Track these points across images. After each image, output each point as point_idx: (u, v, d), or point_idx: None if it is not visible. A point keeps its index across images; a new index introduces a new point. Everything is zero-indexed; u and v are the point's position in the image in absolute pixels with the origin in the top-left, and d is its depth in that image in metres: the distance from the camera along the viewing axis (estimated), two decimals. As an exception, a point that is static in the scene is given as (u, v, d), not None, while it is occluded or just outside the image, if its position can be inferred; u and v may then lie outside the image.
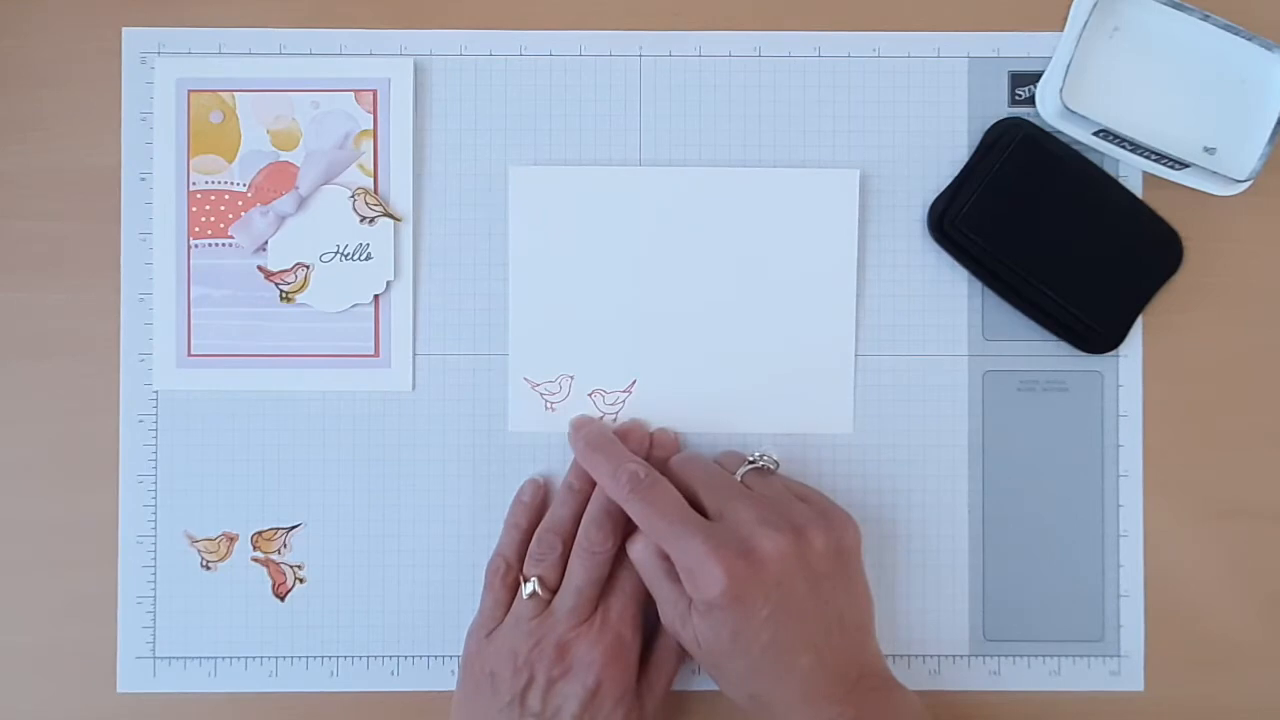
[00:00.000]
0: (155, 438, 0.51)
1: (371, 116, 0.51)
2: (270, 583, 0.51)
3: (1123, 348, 0.51)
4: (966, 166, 0.51)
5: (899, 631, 0.51)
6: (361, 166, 0.51)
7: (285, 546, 0.51)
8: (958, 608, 0.51)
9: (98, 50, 0.51)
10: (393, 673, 0.51)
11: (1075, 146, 0.51)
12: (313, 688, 0.51)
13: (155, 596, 0.51)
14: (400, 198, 0.51)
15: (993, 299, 0.51)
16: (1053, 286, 0.50)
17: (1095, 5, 0.49)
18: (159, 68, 0.51)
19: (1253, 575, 0.51)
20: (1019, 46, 0.51)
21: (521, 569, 0.48)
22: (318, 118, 0.51)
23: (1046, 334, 0.51)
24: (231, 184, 0.51)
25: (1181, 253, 0.51)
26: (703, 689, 0.51)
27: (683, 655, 0.48)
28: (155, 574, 0.51)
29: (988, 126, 0.51)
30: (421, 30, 0.51)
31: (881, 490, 0.51)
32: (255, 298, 0.51)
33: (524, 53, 0.51)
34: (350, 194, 0.51)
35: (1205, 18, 0.49)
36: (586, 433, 0.48)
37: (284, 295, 0.51)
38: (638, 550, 0.46)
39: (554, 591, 0.47)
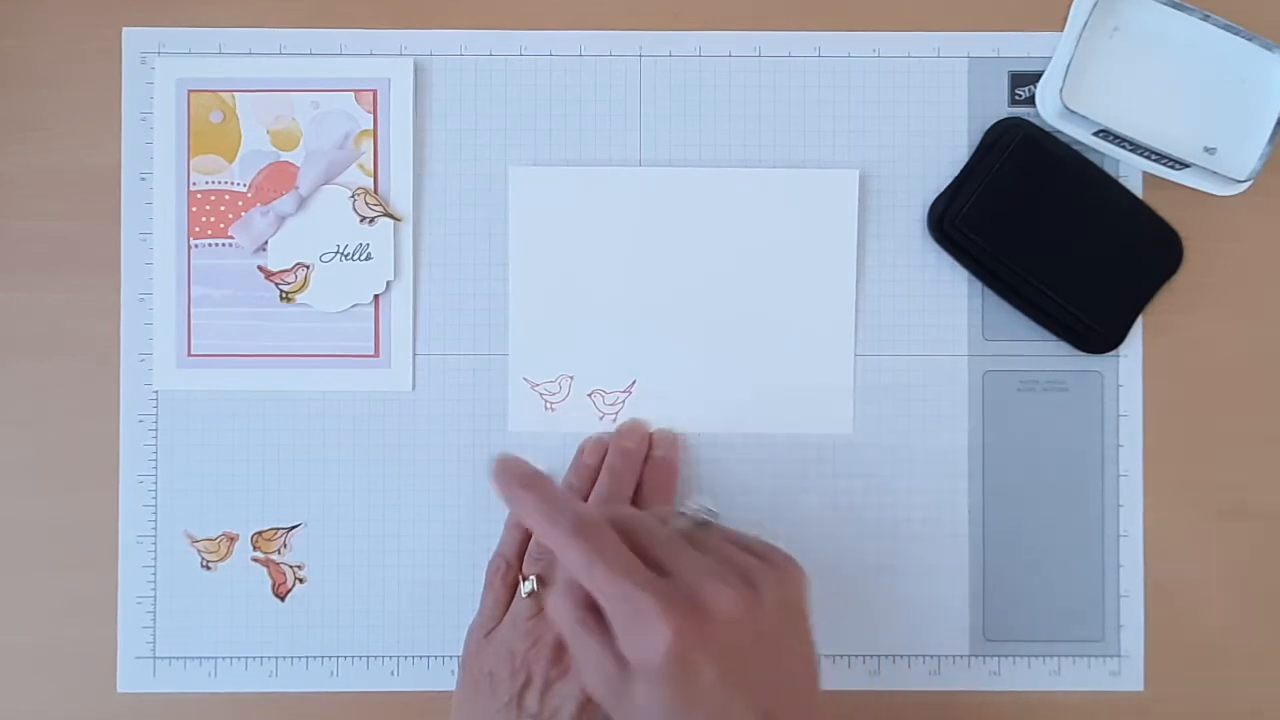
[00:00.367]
0: (155, 438, 0.51)
1: (371, 116, 0.51)
2: (270, 583, 0.51)
3: (1123, 348, 0.51)
4: (966, 166, 0.51)
5: (899, 632, 0.51)
6: (361, 166, 0.51)
7: (285, 546, 0.51)
8: (958, 608, 0.51)
9: (98, 50, 0.51)
10: (393, 673, 0.51)
11: (1075, 146, 0.51)
12: (313, 688, 0.51)
13: (155, 596, 0.51)
14: (400, 198, 0.51)
15: (993, 299, 0.51)
16: (1053, 286, 0.50)
17: (1095, 5, 0.49)
18: (159, 68, 0.51)
19: (1253, 575, 0.51)
20: (1019, 46, 0.51)
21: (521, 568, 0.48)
22: (318, 118, 0.51)
23: (1046, 334, 0.51)
24: (231, 184, 0.51)
25: (1181, 253, 0.51)
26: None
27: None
28: (155, 574, 0.51)
29: (988, 126, 0.51)
30: (421, 30, 0.51)
31: (881, 490, 0.51)
32: (255, 298, 0.51)
33: (524, 53, 0.51)
34: (350, 194, 0.51)
35: (1205, 18, 0.49)
36: (518, 471, 0.41)
37: (284, 295, 0.51)
38: (557, 601, 0.40)
39: None
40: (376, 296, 0.51)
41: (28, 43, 0.51)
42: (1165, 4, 0.49)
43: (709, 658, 0.37)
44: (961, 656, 0.51)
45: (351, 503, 0.51)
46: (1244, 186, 0.50)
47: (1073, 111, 0.49)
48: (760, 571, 0.40)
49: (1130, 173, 0.51)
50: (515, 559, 0.49)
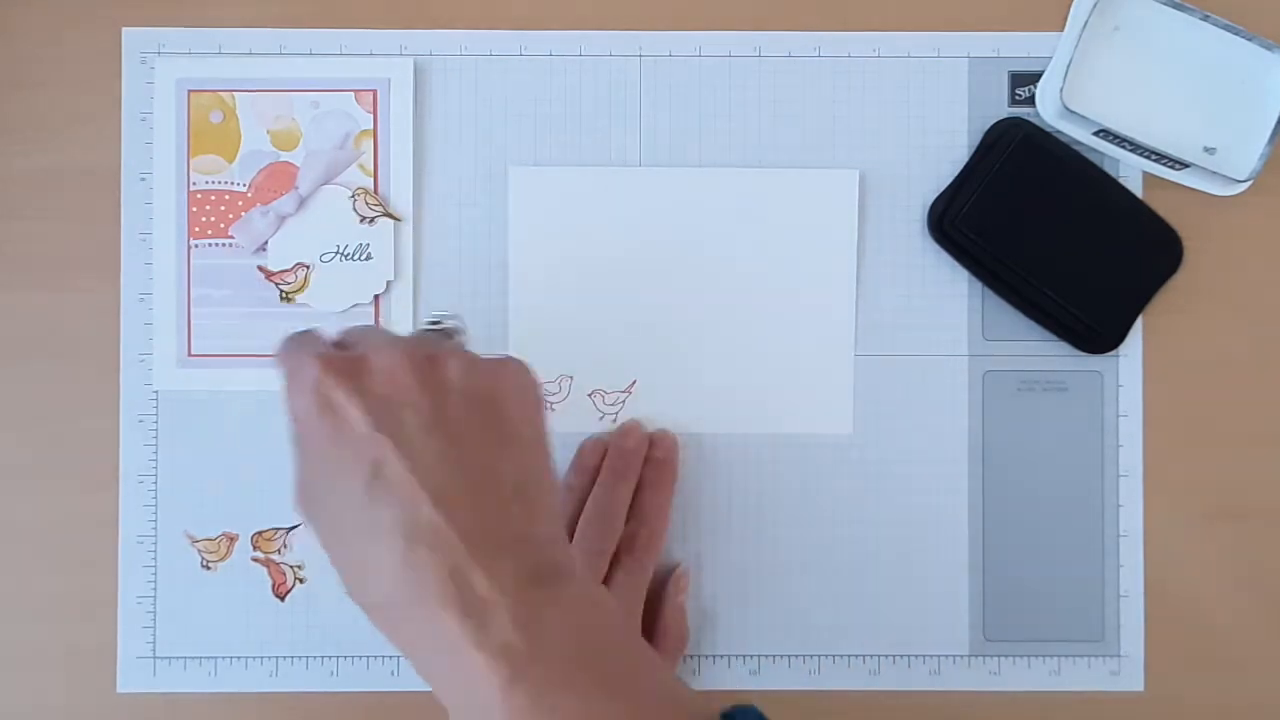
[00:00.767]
0: (155, 438, 0.51)
1: (371, 116, 0.51)
2: (270, 583, 0.51)
3: (1123, 348, 0.51)
4: (966, 167, 0.51)
5: (899, 632, 0.51)
6: (361, 166, 0.51)
7: (285, 546, 0.51)
8: (958, 608, 0.51)
9: (98, 50, 0.51)
10: (393, 673, 0.51)
11: (1075, 146, 0.51)
12: (313, 688, 0.51)
13: (155, 596, 0.51)
14: (400, 198, 0.51)
15: (993, 299, 0.51)
16: (1053, 286, 0.50)
17: (1095, 5, 0.49)
18: (159, 68, 0.51)
19: (1253, 575, 0.51)
20: (1019, 46, 0.51)
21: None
22: (318, 118, 0.51)
23: (1046, 334, 0.51)
24: (231, 184, 0.51)
25: (1181, 253, 0.51)
26: (712, 689, 0.51)
27: (685, 645, 0.49)
28: (155, 574, 0.51)
29: (988, 126, 0.51)
30: (421, 30, 0.51)
31: (881, 490, 0.51)
32: (255, 298, 0.51)
33: (524, 53, 0.51)
34: (350, 194, 0.51)
35: (1205, 18, 0.49)
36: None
37: (284, 295, 0.51)
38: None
39: None
40: (376, 297, 0.51)
41: (27, 43, 0.51)
42: (1165, 4, 0.49)
43: (356, 398, 0.35)
44: (961, 656, 0.51)
45: (351, 503, 0.51)
46: (1244, 186, 0.50)
47: (1073, 111, 0.49)
48: (455, 358, 0.37)
49: (1130, 173, 0.51)
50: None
